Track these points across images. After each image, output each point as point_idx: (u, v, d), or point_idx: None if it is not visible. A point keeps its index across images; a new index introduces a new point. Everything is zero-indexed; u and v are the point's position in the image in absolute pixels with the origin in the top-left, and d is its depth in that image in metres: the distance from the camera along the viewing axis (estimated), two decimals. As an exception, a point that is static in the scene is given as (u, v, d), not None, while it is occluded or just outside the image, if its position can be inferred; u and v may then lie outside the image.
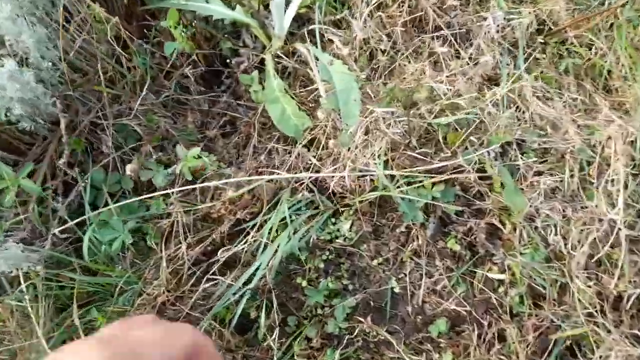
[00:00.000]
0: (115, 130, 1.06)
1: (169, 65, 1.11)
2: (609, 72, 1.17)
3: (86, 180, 0.93)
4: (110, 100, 1.05)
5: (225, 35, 1.14)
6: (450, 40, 1.16)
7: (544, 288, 0.93)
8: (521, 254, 0.93)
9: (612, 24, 1.17)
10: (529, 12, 1.19)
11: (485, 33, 1.15)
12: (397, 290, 0.96)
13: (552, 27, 1.21)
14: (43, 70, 0.92)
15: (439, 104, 0.96)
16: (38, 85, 0.85)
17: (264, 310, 0.92)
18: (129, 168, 0.89)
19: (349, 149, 0.94)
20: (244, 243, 0.97)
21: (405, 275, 0.97)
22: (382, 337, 0.92)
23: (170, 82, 1.10)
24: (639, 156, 1.00)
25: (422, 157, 0.99)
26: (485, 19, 1.19)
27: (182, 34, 1.05)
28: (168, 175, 1.00)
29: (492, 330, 0.92)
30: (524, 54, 1.15)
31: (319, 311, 0.96)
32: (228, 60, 1.14)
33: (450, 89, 0.99)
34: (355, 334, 0.91)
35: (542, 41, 1.19)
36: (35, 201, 0.90)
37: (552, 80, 1.14)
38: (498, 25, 1.17)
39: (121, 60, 1.02)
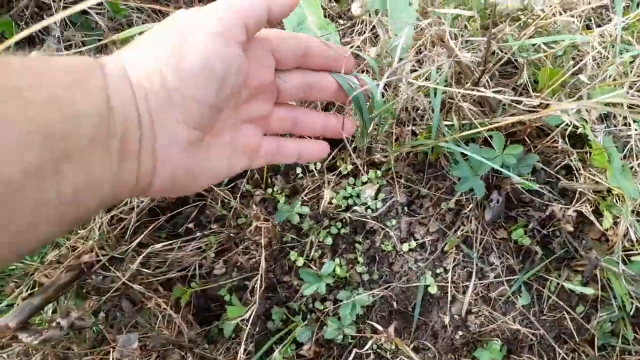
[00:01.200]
0: (70, 21, 0.78)
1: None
2: None
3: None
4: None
5: None
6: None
7: (652, 316, 0.64)
8: (625, 262, 0.64)
9: None
10: None
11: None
12: (432, 290, 0.67)
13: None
14: None
15: (534, 25, 0.65)
16: None
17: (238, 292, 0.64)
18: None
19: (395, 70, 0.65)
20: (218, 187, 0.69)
21: (447, 271, 0.69)
22: (405, 356, 0.64)
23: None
24: None
25: (492, 106, 0.69)
26: None
27: None
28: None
29: (567, 368, 0.63)
30: (647, -13, 0.83)
31: (318, 305, 0.68)
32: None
33: (547, 4, 0.68)
34: (366, 346, 0.63)
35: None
36: None
37: (681, 28, 0.82)
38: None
39: None
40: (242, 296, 0.68)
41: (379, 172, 0.73)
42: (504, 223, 0.71)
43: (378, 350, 0.65)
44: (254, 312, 0.64)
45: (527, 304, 0.68)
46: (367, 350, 0.63)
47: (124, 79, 0.28)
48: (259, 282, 0.67)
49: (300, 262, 0.68)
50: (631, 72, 0.75)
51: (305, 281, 0.66)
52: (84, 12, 0.79)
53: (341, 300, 0.66)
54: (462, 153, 0.67)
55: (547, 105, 0.68)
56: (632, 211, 0.68)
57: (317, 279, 0.66)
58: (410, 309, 0.68)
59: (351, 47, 0.76)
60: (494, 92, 0.65)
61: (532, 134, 0.73)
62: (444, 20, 0.64)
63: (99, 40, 0.78)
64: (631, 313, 0.65)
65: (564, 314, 0.67)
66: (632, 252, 0.66)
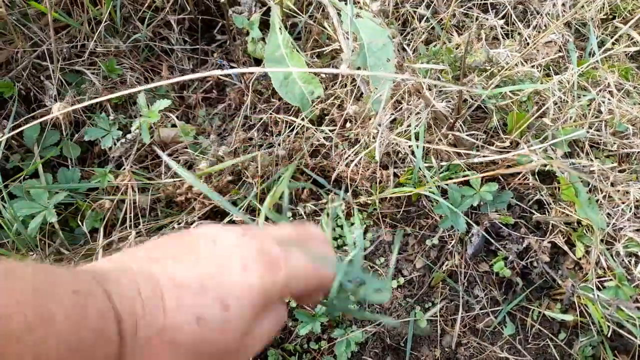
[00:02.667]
0: (66, 80, 0.83)
1: (146, 6, 0.88)
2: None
3: (4, 130, 0.68)
4: (63, 37, 0.82)
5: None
6: (506, 15, 0.95)
7: (627, 336, 0.69)
8: (599, 288, 0.69)
9: None
10: (601, -8, 0.99)
11: (549, 9, 0.95)
12: (422, 324, 0.71)
13: (628, 15, 1.01)
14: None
15: (499, 75, 0.73)
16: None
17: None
18: (56, 107, 0.64)
19: (374, 126, 0.71)
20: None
21: (435, 304, 0.73)
22: (400, 390, 0.67)
23: (147, 28, 0.88)
24: None
25: (465, 150, 0.76)
26: (547, -6, 0.98)
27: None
28: (126, 142, 0.76)
29: (555, 394, 0.67)
30: (596, 38, 0.94)
31: (313, 345, 0.71)
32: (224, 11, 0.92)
33: (511, 57, 0.77)
34: (362, 382, 0.66)
35: (616, 27, 0.99)
36: None
37: (630, 73, 0.93)
38: (564, 4, 0.97)
39: (82, -14, 0.80)
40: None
41: (365, 214, 0.78)
42: (485, 257, 0.76)
43: (374, 387, 0.67)
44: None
45: (513, 333, 0.72)
46: (363, 386, 0.66)
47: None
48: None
49: (293, 303, 0.71)
50: (589, 113, 0.84)
51: (301, 321, 0.69)
52: (78, 71, 0.84)
53: (335, 339, 0.69)
54: (442, 192, 0.73)
55: (517, 144, 0.76)
56: (602, 240, 0.74)
57: (312, 319, 0.69)
58: (402, 344, 0.71)
59: (335, 98, 0.84)
60: (467, 134, 0.73)
61: (504, 173, 0.80)
62: (419, 74, 0.72)
63: (94, 98, 0.83)
64: (609, 336, 0.69)
65: (547, 342, 0.71)
66: (605, 278, 0.71)
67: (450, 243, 0.75)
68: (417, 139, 0.69)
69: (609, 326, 0.66)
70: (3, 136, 0.68)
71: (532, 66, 0.87)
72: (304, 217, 0.74)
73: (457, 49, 0.86)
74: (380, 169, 0.78)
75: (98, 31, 0.80)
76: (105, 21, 0.79)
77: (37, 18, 0.83)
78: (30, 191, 0.65)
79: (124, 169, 0.71)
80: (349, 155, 0.78)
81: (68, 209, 0.73)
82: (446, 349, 0.71)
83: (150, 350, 0.31)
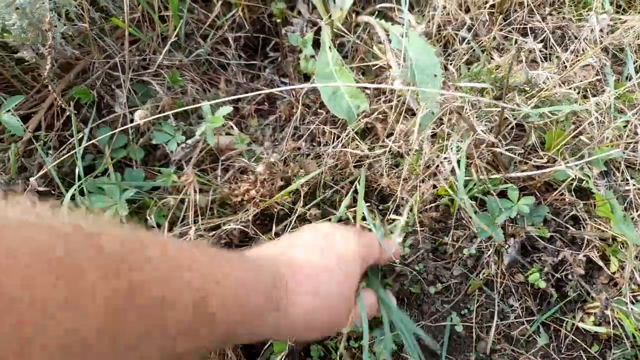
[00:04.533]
0: (134, 89, 0.92)
1: (207, 25, 0.97)
2: None
3: (84, 131, 0.77)
4: (134, 51, 0.92)
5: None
6: (544, 39, 1.01)
7: (662, 353, 0.72)
8: (633, 302, 0.73)
9: None
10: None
11: (586, 34, 1.00)
12: (458, 329, 0.76)
13: (665, 41, 1.05)
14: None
15: (538, 95, 0.79)
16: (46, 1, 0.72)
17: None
18: (138, 115, 0.73)
19: (417, 149, 0.77)
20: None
21: (471, 311, 0.78)
22: (436, 389, 0.71)
23: (207, 44, 0.97)
24: None
25: (505, 163, 0.81)
26: (586, 20, 1.04)
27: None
28: (186, 147, 0.84)
29: (588, 401, 0.70)
30: (634, 63, 0.99)
31: (353, 344, 0.76)
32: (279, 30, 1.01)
33: (549, 78, 0.82)
34: (401, 378, 0.71)
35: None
36: (20, 145, 0.75)
37: (667, 98, 0.96)
38: (602, 30, 1.02)
39: (154, 5, 0.89)
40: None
41: (402, 221, 0.83)
42: (521, 268, 0.80)
43: (411, 385, 0.72)
44: (294, 347, 0.72)
45: (546, 343, 0.75)
46: (401, 383, 0.70)
47: None
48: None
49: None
50: (625, 134, 0.89)
51: (343, 319, 0.74)
52: (145, 81, 0.94)
53: (375, 337, 0.74)
54: (480, 204, 0.78)
55: (555, 161, 0.80)
56: (636, 256, 0.78)
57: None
58: (439, 346, 0.75)
59: (378, 113, 0.90)
60: (506, 149, 0.78)
61: (541, 188, 0.85)
62: (462, 91, 0.78)
63: (157, 106, 0.92)
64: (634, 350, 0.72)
65: (580, 353, 0.75)
66: (638, 293, 0.75)
67: (487, 253, 0.80)
68: (459, 163, 0.75)
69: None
70: (83, 138, 0.77)
71: (570, 88, 0.92)
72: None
73: (497, 70, 0.92)
74: (419, 182, 0.84)
75: (166, 46, 0.89)
76: (175, 37, 0.89)
77: (111, 32, 0.93)
78: (104, 187, 0.74)
79: (185, 171, 0.79)
80: (392, 167, 0.84)
81: (132, 205, 0.81)
82: (481, 355, 0.75)
83: (297, 296, 0.45)
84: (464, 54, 0.96)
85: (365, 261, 0.54)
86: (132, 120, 0.79)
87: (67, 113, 0.84)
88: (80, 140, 0.76)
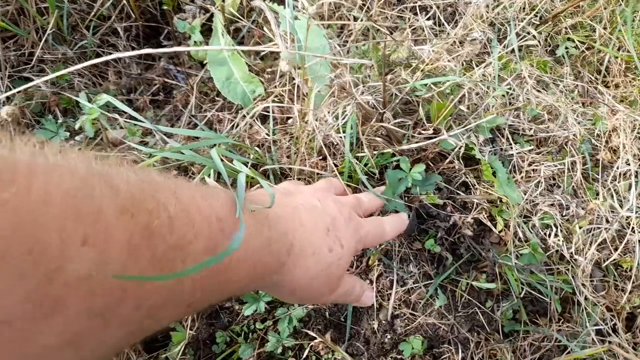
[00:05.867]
0: (14, 86, 0.88)
1: (95, 16, 0.94)
2: (607, 67, 1.09)
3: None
4: (11, 46, 0.88)
5: (168, -13, 0.99)
6: (436, 16, 1.06)
7: (544, 300, 0.78)
8: (516, 257, 0.78)
9: (613, 11, 1.09)
10: (521, -6, 1.11)
11: (473, 10, 1.06)
12: (360, 299, 0.79)
13: (546, 14, 1.13)
14: None
15: (422, 69, 0.83)
16: None
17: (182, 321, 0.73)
18: (4, 110, 0.70)
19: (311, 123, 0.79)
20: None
21: (372, 282, 0.81)
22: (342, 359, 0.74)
23: (94, 36, 0.94)
24: (649, 150, 0.89)
25: (398, 138, 0.84)
26: (472, -3, 1.10)
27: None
28: (75, 144, 0.82)
29: (479, 353, 0.75)
30: (516, 36, 1.05)
31: (259, 326, 0.77)
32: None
33: (434, 53, 0.86)
34: (304, 355, 0.73)
35: (537, 24, 1.10)
36: None
37: (547, 66, 1.04)
38: (488, 6, 1.08)
39: (28, -4, 0.85)
40: (185, 324, 0.76)
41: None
42: (418, 236, 0.85)
43: (318, 358, 0.74)
44: (198, 336, 0.72)
45: (444, 304, 0.80)
46: (307, 358, 0.72)
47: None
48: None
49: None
50: (509, 103, 0.95)
51: (245, 301, 0.75)
52: (27, 78, 0.90)
53: (279, 317, 0.75)
54: (380, 178, 0.82)
55: (438, 131, 0.85)
56: (520, 215, 0.84)
57: (256, 300, 0.76)
58: (343, 319, 0.78)
59: (275, 96, 0.91)
60: (394, 124, 0.81)
61: (435, 159, 0.89)
62: (349, 71, 0.80)
63: (42, 104, 0.89)
64: (530, 300, 0.79)
65: (475, 309, 0.80)
66: (523, 249, 0.80)
67: (385, 224, 0.83)
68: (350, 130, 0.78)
69: (522, 287, 0.75)
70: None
71: (455, 60, 0.97)
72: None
73: (383, 47, 0.95)
74: (319, 161, 0.86)
75: (44, 39, 0.85)
76: (52, 29, 0.85)
77: (-16, 28, 0.88)
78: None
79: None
80: (289, 148, 0.85)
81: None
82: (383, 322, 0.78)
83: (297, 266, 0.47)
84: (358, 33, 0.98)
85: (356, 251, 0.58)
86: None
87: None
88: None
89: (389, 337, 0.77)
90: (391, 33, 1.02)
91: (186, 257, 0.32)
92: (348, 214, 0.57)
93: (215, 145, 0.82)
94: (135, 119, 0.92)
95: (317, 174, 0.84)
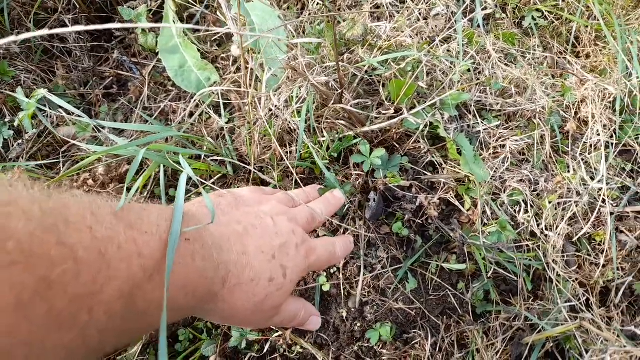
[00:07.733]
0: (-42, 86, 0.85)
1: (40, 9, 0.91)
2: (577, 37, 1.07)
3: None
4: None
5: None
6: (396, -8, 1.03)
7: (514, 279, 0.76)
8: (485, 235, 0.77)
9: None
10: (486, -34, 1.08)
11: (436, -16, 1.03)
12: (327, 288, 0.77)
13: (513, -15, 1.11)
14: None
15: (380, 47, 0.80)
16: None
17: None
18: None
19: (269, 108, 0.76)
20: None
21: (339, 270, 0.79)
22: (307, 353, 0.72)
23: (40, 29, 0.90)
24: (619, 120, 0.88)
25: (361, 120, 0.82)
26: (435, -30, 1.07)
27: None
28: (22, 144, 0.78)
29: (450, 336, 0.74)
30: (482, 10, 1.03)
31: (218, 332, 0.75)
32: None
33: (394, 30, 0.84)
34: (265, 348, 0.71)
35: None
36: None
37: (515, 39, 1.02)
38: (451, -21, 1.06)
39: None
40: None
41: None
42: (386, 220, 0.83)
43: (283, 353, 0.72)
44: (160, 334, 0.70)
45: (415, 288, 0.78)
46: (270, 353, 0.70)
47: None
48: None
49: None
50: (476, 79, 0.93)
51: (206, 297, 0.73)
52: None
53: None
54: (343, 162, 0.79)
55: (400, 111, 0.82)
56: (489, 192, 0.82)
57: (218, 294, 0.73)
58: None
59: (231, 83, 0.88)
60: (353, 105, 0.79)
61: (401, 139, 0.87)
62: (301, 51, 0.78)
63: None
64: (502, 279, 0.77)
65: (447, 292, 0.78)
66: (492, 226, 0.79)
67: (350, 209, 0.81)
68: (306, 114, 0.75)
69: (491, 267, 0.73)
70: None
71: (422, 39, 0.94)
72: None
73: (340, 25, 0.93)
74: (278, 147, 0.83)
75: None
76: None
77: None
78: None
79: (18, 167, 0.74)
80: (246, 135, 0.83)
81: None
82: (352, 309, 0.76)
83: (232, 296, 0.44)
84: (317, 13, 0.96)
85: (301, 278, 0.58)
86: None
87: None
88: None
89: (358, 325, 0.75)
90: (350, 10, 0.99)
91: (94, 305, 0.28)
92: (301, 238, 0.54)
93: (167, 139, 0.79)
94: (92, 116, 0.89)
95: (278, 163, 0.82)
